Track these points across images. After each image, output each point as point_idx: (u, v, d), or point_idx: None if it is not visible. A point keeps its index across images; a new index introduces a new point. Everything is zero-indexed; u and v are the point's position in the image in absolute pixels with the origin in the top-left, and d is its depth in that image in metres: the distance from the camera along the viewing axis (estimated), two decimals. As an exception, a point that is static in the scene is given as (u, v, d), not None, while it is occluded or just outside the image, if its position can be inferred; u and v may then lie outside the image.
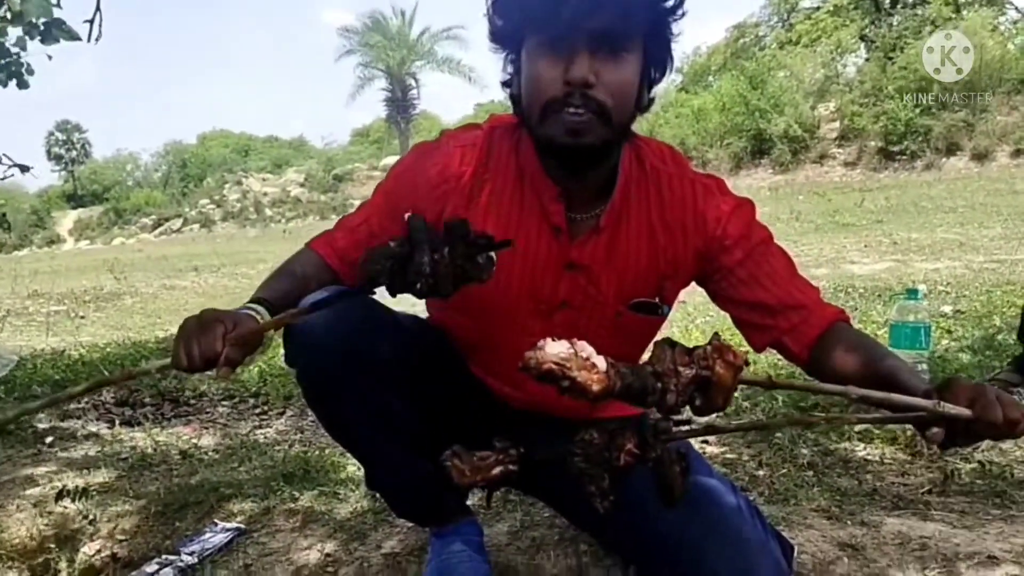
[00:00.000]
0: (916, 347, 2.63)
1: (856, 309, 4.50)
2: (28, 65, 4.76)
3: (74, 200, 41.20)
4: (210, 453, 2.50)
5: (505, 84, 1.28)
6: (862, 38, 21.20)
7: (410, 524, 1.72)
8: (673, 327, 4.14)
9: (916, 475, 1.97)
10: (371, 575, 1.63)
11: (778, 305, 1.26)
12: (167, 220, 29.77)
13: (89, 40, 4.20)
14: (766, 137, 17.84)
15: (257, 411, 3.12)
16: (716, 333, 0.90)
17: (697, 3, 1.34)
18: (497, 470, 1.00)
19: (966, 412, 0.90)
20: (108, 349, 4.96)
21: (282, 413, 3.04)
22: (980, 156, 15.50)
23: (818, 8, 23.86)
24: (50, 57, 4.61)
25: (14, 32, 4.50)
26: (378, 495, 1.76)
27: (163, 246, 23.07)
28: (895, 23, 20.35)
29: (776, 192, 16.08)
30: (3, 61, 4.64)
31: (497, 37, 1.25)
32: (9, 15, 4.28)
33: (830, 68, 19.96)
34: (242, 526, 1.86)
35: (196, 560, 1.72)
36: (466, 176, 1.31)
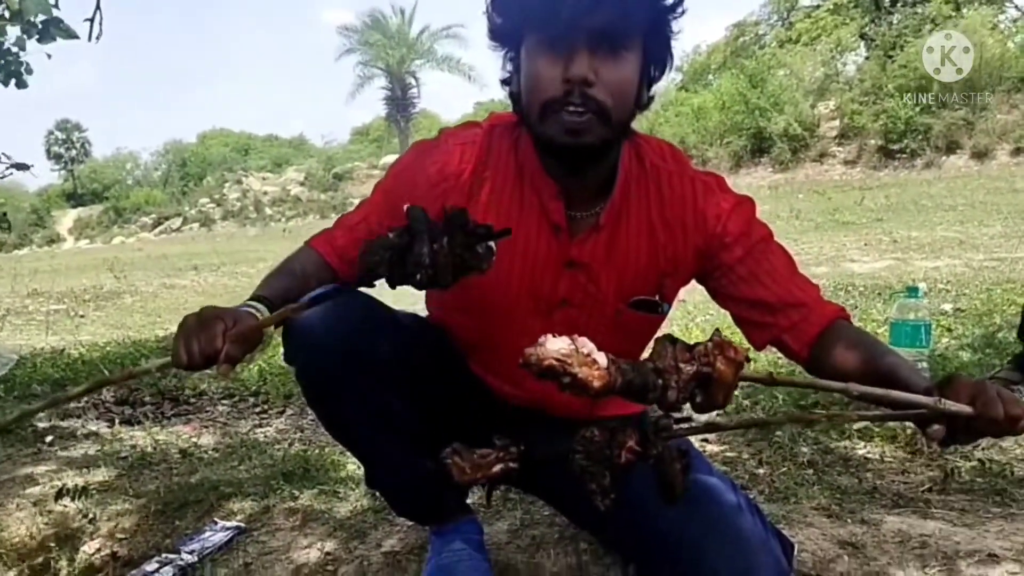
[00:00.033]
0: (916, 345, 2.63)
1: (856, 307, 4.50)
2: (27, 65, 4.76)
3: (74, 199, 41.22)
4: (210, 452, 2.50)
5: (504, 82, 1.28)
6: (862, 36, 21.17)
7: (410, 523, 1.72)
8: (673, 325, 4.14)
9: (916, 473, 1.97)
10: (371, 574, 1.62)
11: (778, 303, 1.26)
12: (167, 219, 29.78)
13: (90, 39, 4.21)
14: (766, 136, 17.82)
15: (257, 410, 3.12)
16: (717, 329, 0.90)
17: (697, 1, 1.34)
18: (497, 467, 1.00)
19: (967, 409, 0.89)
20: (108, 348, 4.96)
21: (282, 412, 3.04)
22: (980, 154, 15.49)
23: (818, 6, 23.83)
24: (49, 56, 4.62)
25: (12, 31, 4.50)
26: (378, 494, 1.76)
27: (163, 245, 23.06)
28: (895, 21, 20.32)
29: (776, 191, 16.07)
30: (2, 61, 4.63)
31: (496, 35, 1.25)
32: (7, 13, 4.28)
33: (830, 66, 19.94)
34: (242, 525, 1.86)
35: (196, 559, 1.71)
36: (465, 174, 1.31)
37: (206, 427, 2.86)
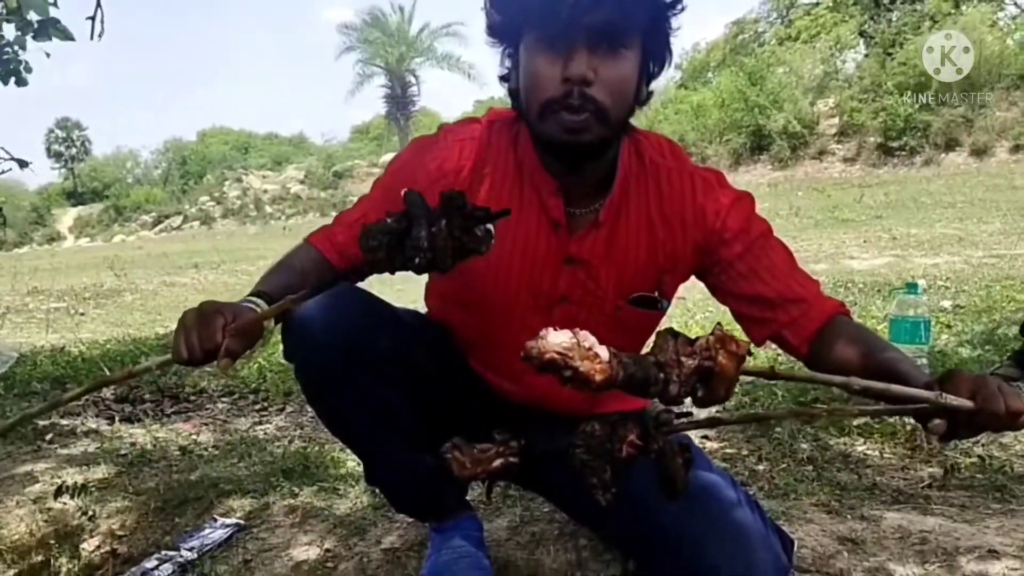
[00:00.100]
0: (916, 342, 2.63)
1: (856, 304, 4.50)
2: (26, 63, 4.75)
3: (74, 197, 41.18)
4: (209, 449, 2.50)
5: (503, 78, 1.28)
6: (861, 34, 21.15)
7: (410, 519, 1.72)
8: (672, 323, 4.13)
9: (916, 469, 1.97)
10: (371, 570, 1.62)
11: (778, 298, 1.26)
12: (167, 217, 29.75)
13: (92, 37, 4.19)
14: (765, 133, 17.81)
15: (257, 407, 3.12)
16: (718, 323, 0.90)
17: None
18: (498, 462, 0.99)
19: (968, 404, 0.89)
20: (108, 346, 4.96)
21: (282, 409, 3.04)
22: (979, 152, 15.48)
23: (817, 4, 23.79)
24: (48, 55, 4.61)
25: (9, 28, 4.49)
26: (377, 490, 1.76)
27: (163, 243, 23.05)
28: (894, 19, 20.28)
29: (775, 188, 16.07)
30: (2, 58, 4.62)
31: (495, 32, 1.25)
32: (5, 11, 4.27)
33: (829, 64, 19.92)
34: (241, 522, 1.86)
35: (195, 556, 1.71)
36: (465, 170, 1.30)
37: (206, 424, 2.86)
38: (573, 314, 1.32)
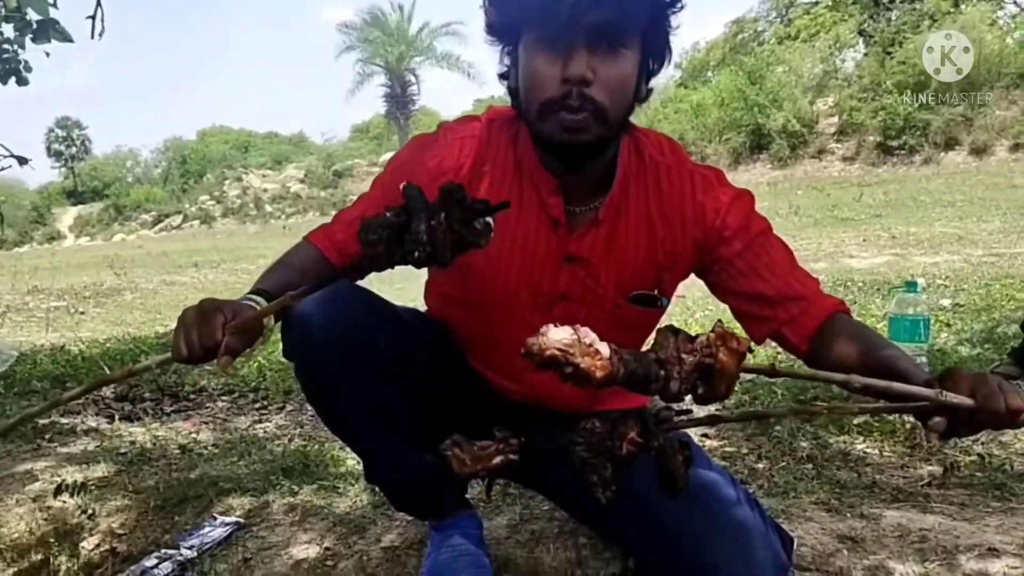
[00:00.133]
0: (915, 340, 2.63)
1: (855, 303, 4.50)
2: (26, 63, 4.74)
3: (74, 196, 41.17)
4: (209, 448, 2.50)
5: (502, 76, 1.28)
6: (860, 33, 21.14)
7: (409, 518, 1.72)
8: (672, 321, 4.11)
9: (916, 468, 1.97)
10: (370, 569, 1.62)
11: (777, 296, 1.26)
12: (167, 216, 29.74)
13: (92, 37, 4.18)
14: (765, 132, 17.80)
15: (256, 406, 3.12)
16: (719, 320, 0.90)
17: (696, -3, 1.34)
18: (498, 459, 0.99)
19: (968, 401, 0.89)
20: (108, 345, 4.96)
21: (281, 408, 3.04)
22: (979, 150, 15.48)
23: (816, 3, 23.79)
24: (47, 54, 4.59)
25: (7, 28, 4.48)
26: (377, 489, 1.76)
27: (163, 242, 23.04)
28: (893, 18, 20.27)
29: (775, 187, 16.08)
30: (2, 58, 4.62)
31: (494, 30, 1.24)
32: (3, 11, 4.26)
33: (828, 63, 19.91)
34: (241, 520, 1.86)
35: (195, 554, 1.71)
36: (464, 168, 1.30)
37: (205, 423, 2.86)
38: (573, 312, 1.32)
